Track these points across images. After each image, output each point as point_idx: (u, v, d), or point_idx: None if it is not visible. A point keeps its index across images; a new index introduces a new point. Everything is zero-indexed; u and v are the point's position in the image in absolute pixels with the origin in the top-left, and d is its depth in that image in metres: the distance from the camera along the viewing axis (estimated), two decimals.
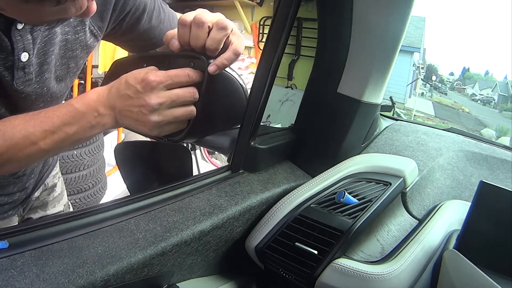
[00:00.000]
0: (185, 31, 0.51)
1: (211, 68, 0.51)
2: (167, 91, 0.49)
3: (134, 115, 0.49)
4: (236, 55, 0.53)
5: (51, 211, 0.86)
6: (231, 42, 0.53)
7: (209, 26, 0.50)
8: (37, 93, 0.55)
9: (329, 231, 0.56)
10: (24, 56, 0.50)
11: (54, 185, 0.86)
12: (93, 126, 0.50)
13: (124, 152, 0.65)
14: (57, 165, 0.88)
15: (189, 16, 0.51)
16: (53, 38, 0.54)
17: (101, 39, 0.67)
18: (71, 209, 0.98)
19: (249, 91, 0.59)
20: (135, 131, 0.54)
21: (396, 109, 1.09)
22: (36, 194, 0.80)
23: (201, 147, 2.81)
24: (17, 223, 0.76)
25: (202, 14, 0.50)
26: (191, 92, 0.51)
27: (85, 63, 2.65)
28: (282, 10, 0.53)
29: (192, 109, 0.52)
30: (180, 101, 0.51)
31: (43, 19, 0.46)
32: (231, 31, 0.52)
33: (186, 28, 0.51)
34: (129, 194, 0.57)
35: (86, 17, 0.47)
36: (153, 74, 0.48)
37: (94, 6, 0.46)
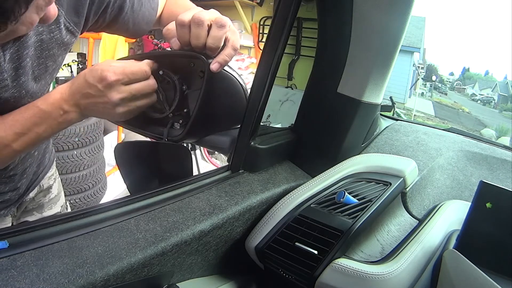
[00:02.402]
0: (185, 31, 0.51)
1: (214, 66, 0.52)
2: (127, 87, 0.52)
3: (100, 109, 0.53)
4: (235, 50, 0.54)
5: (48, 213, 0.85)
6: (228, 38, 0.53)
7: (208, 25, 0.51)
8: (16, 97, 0.54)
9: (329, 231, 0.56)
10: None
11: (50, 187, 0.85)
12: (60, 123, 0.53)
13: (124, 152, 0.65)
14: (53, 166, 0.87)
15: (186, 16, 0.51)
16: (26, 41, 0.52)
17: (89, 31, 0.66)
18: (69, 210, 0.97)
19: (249, 91, 0.59)
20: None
21: (396, 109, 1.09)
22: (31, 195, 0.79)
23: (201, 147, 2.81)
24: (10, 224, 0.75)
25: (200, 13, 0.51)
26: (151, 85, 0.55)
27: (85, 63, 2.67)
28: (282, 10, 0.53)
29: (154, 97, 0.57)
30: (141, 94, 0.54)
31: None
32: (230, 28, 0.52)
33: (185, 28, 0.51)
34: (129, 194, 0.57)
35: (47, 23, 0.46)
36: (111, 72, 0.50)
37: (53, 11, 0.44)
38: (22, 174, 0.71)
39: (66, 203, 0.94)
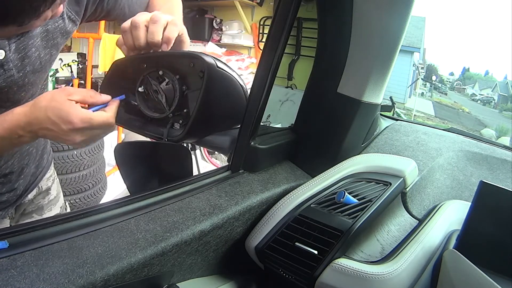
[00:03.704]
0: (128, 36, 0.54)
1: (163, 46, 0.54)
2: (90, 131, 0.53)
3: (59, 140, 0.54)
4: (175, 25, 0.54)
5: (47, 214, 0.85)
6: (166, 26, 0.54)
7: (146, 26, 0.52)
8: (19, 85, 0.57)
9: (329, 231, 0.56)
10: (0, 54, 0.51)
11: (49, 188, 0.85)
12: (15, 144, 0.54)
13: (124, 152, 0.65)
14: (51, 167, 0.87)
15: (127, 22, 0.53)
16: (31, 31, 0.54)
17: (90, 21, 0.69)
18: (69, 210, 0.97)
19: (249, 91, 0.59)
20: None
21: (396, 109, 1.09)
22: (30, 197, 0.79)
23: (201, 147, 2.81)
24: (8, 226, 0.75)
25: (137, 17, 0.52)
26: (111, 130, 0.57)
27: (85, 63, 2.67)
28: (282, 10, 0.53)
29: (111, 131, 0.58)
30: (100, 136, 0.56)
31: (9, 36, 0.49)
32: (167, 22, 0.54)
33: (128, 33, 0.53)
34: (129, 194, 0.57)
35: (54, 18, 0.50)
36: (78, 119, 0.50)
37: (60, 8, 0.46)
38: (19, 174, 0.71)
39: (65, 203, 0.94)
